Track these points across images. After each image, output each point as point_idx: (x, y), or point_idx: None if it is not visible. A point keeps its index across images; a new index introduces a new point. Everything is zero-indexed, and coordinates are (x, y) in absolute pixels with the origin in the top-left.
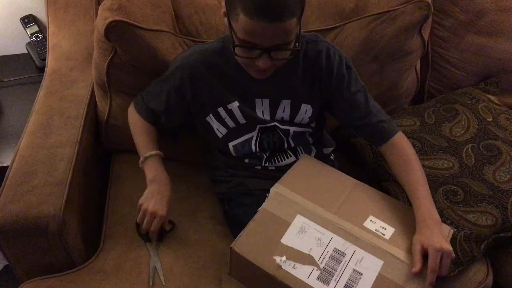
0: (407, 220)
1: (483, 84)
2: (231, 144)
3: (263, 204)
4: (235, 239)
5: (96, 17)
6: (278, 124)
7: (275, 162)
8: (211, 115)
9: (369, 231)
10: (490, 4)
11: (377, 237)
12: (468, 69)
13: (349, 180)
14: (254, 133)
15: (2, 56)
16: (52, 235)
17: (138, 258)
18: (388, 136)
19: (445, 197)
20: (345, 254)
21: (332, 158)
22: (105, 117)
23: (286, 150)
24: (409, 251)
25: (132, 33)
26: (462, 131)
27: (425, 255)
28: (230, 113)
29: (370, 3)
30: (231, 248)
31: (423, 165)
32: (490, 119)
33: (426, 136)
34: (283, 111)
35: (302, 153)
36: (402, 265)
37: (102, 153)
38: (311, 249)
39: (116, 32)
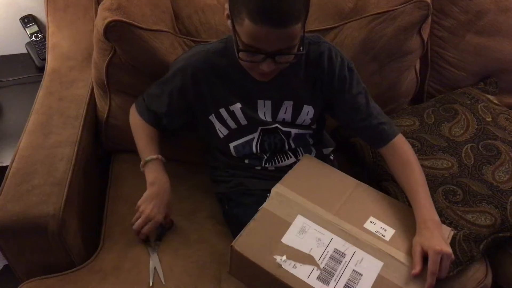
0: (407, 221)
1: (483, 84)
2: (232, 145)
3: (264, 204)
4: (236, 238)
5: (95, 17)
6: (279, 126)
7: (275, 163)
8: (213, 115)
9: (369, 232)
10: (489, 4)
11: (377, 239)
12: (467, 69)
13: (350, 181)
14: (256, 134)
15: (2, 56)
16: (51, 235)
17: (138, 258)
18: (389, 138)
19: (444, 197)
20: (345, 254)
21: (332, 158)
22: (105, 117)
23: (287, 151)
24: (409, 253)
25: (131, 33)
26: (462, 131)
27: (425, 257)
28: (232, 114)
29: (369, 3)
30: (231, 246)
31: (422, 165)
32: (489, 119)
33: (425, 136)
34: (285, 113)
35: (302, 154)
36: (401, 267)
37: (101, 153)
38: (311, 249)
39: (116, 32)
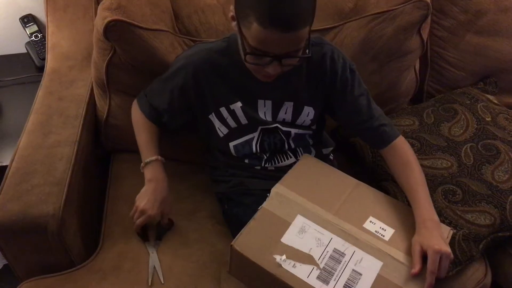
0: (407, 221)
1: (482, 84)
2: (231, 144)
3: (264, 203)
4: (236, 237)
5: (95, 17)
6: (279, 126)
7: (274, 163)
8: (213, 114)
9: (368, 232)
10: (489, 4)
11: (377, 238)
12: (467, 69)
13: (350, 181)
14: (256, 134)
15: (1, 56)
16: (51, 235)
17: (137, 257)
18: (389, 140)
19: (443, 196)
20: (345, 254)
21: (331, 158)
22: (104, 116)
23: (286, 151)
24: (408, 253)
25: (131, 32)
26: (461, 131)
27: (424, 257)
28: (232, 113)
29: (369, 3)
30: (231, 246)
31: (422, 165)
32: (489, 119)
33: (425, 136)
34: (285, 113)
35: (302, 154)
36: (401, 267)
37: (101, 153)
38: (311, 249)
39: (115, 32)
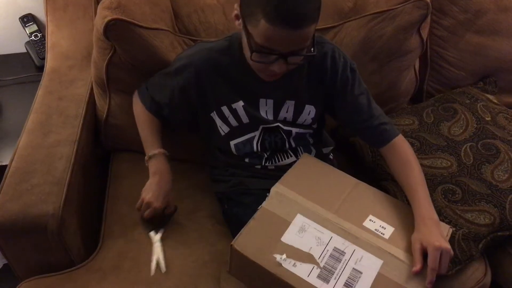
0: (406, 220)
1: (482, 83)
2: (232, 143)
3: (263, 203)
4: (236, 237)
5: (95, 16)
6: (281, 125)
7: (275, 162)
8: (214, 112)
9: (368, 230)
10: (489, 3)
11: (377, 237)
12: (466, 68)
13: (349, 180)
14: (257, 133)
15: (1, 55)
16: (51, 234)
17: (137, 257)
18: (389, 139)
19: (443, 196)
20: (345, 253)
21: (331, 157)
22: (104, 116)
23: (287, 150)
24: (408, 251)
25: (131, 31)
26: (461, 130)
27: (424, 254)
28: (234, 112)
29: (369, 2)
30: (231, 246)
31: (421, 164)
32: (488, 118)
33: (424, 135)
34: (287, 112)
35: (302, 153)
36: (401, 265)
37: (101, 152)
38: (311, 248)
39: (115, 31)
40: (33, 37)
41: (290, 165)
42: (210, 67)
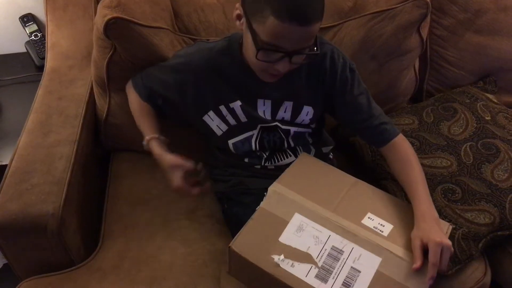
0: (405, 217)
1: (482, 83)
2: (230, 142)
3: (261, 203)
4: (233, 239)
5: (95, 16)
6: (279, 124)
7: (274, 162)
8: (211, 111)
9: (367, 228)
10: (488, 3)
11: (375, 234)
12: (466, 68)
13: (348, 178)
14: (255, 132)
15: (1, 55)
16: (51, 234)
17: (137, 257)
18: (390, 138)
19: (443, 195)
20: (343, 251)
21: (331, 157)
22: (104, 115)
23: (286, 150)
24: (407, 248)
25: (131, 30)
26: (461, 130)
27: (424, 251)
28: (231, 111)
29: (368, 1)
30: (229, 247)
31: (421, 164)
32: (488, 118)
33: (424, 135)
34: (285, 112)
35: (301, 152)
36: (400, 262)
37: (101, 152)
38: (309, 247)
39: (115, 29)
40: (33, 37)
41: (289, 164)
42: (209, 68)
